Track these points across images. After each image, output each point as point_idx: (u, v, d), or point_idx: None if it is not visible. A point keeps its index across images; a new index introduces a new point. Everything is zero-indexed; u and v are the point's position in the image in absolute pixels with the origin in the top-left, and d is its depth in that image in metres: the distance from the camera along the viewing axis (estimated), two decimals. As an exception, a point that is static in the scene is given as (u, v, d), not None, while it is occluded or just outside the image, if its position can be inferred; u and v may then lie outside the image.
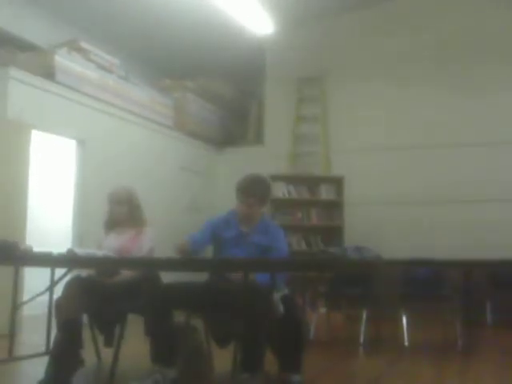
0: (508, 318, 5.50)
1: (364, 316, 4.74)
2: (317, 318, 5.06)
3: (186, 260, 3.07)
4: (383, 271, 4.58)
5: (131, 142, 6.46)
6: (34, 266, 3.91)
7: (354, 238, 6.44)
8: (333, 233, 6.76)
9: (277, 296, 3.06)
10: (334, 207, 6.84)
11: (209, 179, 7.82)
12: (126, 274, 3.35)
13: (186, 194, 7.35)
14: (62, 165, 6.39)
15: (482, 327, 5.55)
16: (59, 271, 3.54)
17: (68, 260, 3.09)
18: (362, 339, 4.65)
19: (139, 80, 6.97)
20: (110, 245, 3.49)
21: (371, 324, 4.78)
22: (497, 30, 6.63)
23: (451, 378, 3.63)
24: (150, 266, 3.23)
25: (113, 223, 3.66)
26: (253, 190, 3.30)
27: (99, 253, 3.31)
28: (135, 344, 3.34)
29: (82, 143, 5.87)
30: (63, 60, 5.64)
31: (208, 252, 3.44)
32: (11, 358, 3.72)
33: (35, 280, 4.18)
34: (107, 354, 3.33)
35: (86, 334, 3.32)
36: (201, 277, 3.28)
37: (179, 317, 3.15)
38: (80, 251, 3.21)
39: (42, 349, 3.78)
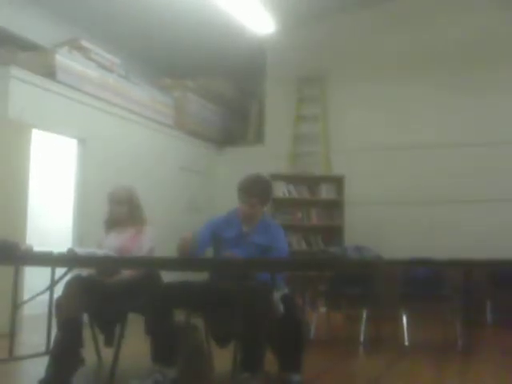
0: (508, 318, 5.50)
1: (364, 316, 4.75)
2: (317, 318, 5.06)
3: (186, 260, 3.07)
4: (383, 271, 4.58)
5: (131, 142, 6.46)
6: (34, 266, 3.92)
7: (354, 238, 6.44)
8: (333, 232, 6.76)
9: (277, 296, 3.06)
10: (334, 207, 6.84)
11: (209, 179, 7.82)
12: (126, 273, 3.35)
13: (185, 194, 7.35)
14: (62, 164, 6.39)
15: (482, 327, 5.55)
16: (59, 270, 3.55)
17: (68, 259, 3.10)
18: (362, 339, 4.65)
19: (140, 79, 6.97)
20: (111, 244, 3.49)
21: (371, 324, 4.78)
22: (497, 31, 6.64)
23: (451, 378, 3.63)
24: (150, 265, 3.23)
25: (113, 223, 3.65)
26: (254, 189, 3.30)
27: (100, 252, 3.31)
28: (135, 343, 3.34)
29: (82, 142, 5.87)
30: (64, 59, 5.63)
31: (208, 252, 3.44)
32: (11, 357, 3.73)
33: (35, 279, 4.19)
34: (107, 353, 3.33)
35: (87, 334, 3.31)
36: (201, 276, 3.28)
37: (179, 316, 3.15)
38: (80, 251, 3.21)
39: (42, 348, 3.79)
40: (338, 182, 6.85)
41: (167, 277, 3.35)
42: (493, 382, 3.55)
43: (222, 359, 3.31)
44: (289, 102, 7.48)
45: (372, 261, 4.84)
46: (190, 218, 6.83)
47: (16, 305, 3.87)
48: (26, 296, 4.30)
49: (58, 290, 3.31)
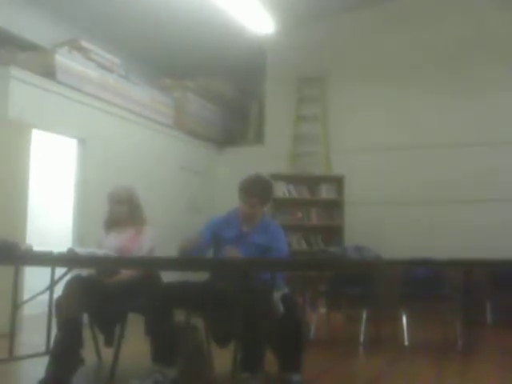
0: (508, 318, 5.50)
1: (364, 316, 4.75)
2: (317, 318, 5.06)
3: (186, 260, 3.07)
4: (383, 271, 4.58)
5: (131, 142, 6.46)
6: (34, 266, 3.92)
7: (354, 238, 6.44)
8: (333, 232, 6.76)
9: (277, 295, 3.06)
10: (334, 207, 6.84)
11: (209, 179, 7.82)
12: (126, 273, 3.35)
13: (185, 194, 7.34)
14: (62, 164, 6.39)
15: (482, 327, 5.55)
16: (59, 270, 3.55)
17: (68, 259, 3.10)
18: (362, 339, 4.65)
19: (139, 79, 6.97)
20: (111, 244, 3.49)
21: (371, 324, 4.78)
22: (497, 30, 6.64)
23: (451, 378, 3.63)
24: (150, 265, 3.23)
25: (113, 223, 3.66)
26: (255, 189, 3.30)
27: (100, 252, 3.31)
28: (135, 343, 3.34)
29: (82, 142, 5.87)
30: (64, 59, 5.63)
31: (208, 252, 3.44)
32: (11, 357, 3.73)
33: (35, 279, 4.18)
34: (107, 353, 3.33)
35: (87, 334, 3.32)
36: (201, 276, 3.28)
37: (179, 316, 3.15)
38: (80, 250, 3.21)
39: (42, 348, 3.79)
40: (338, 182, 6.85)
41: (167, 277, 3.35)
42: (493, 382, 3.55)
43: (222, 359, 3.31)
44: (289, 102, 7.47)
45: (372, 261, 4.84)
46: (190, 218, 6.84)
47: (16, 305, 3.87)
48: (26, 296, 4.30)
49: (58, 290, 3.31)
